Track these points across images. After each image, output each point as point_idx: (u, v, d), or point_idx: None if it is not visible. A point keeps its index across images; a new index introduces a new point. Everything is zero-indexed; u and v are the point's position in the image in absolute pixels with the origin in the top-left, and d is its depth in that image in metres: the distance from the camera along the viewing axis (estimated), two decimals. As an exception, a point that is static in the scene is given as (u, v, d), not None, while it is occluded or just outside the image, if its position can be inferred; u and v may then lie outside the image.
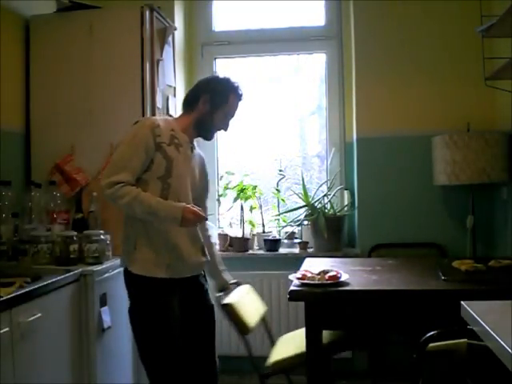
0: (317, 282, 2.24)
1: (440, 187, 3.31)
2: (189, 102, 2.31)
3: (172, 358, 2.15)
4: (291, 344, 2.63)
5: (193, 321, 2.29)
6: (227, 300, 2.42)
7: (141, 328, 2.17)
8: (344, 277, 2.28)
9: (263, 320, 2.76)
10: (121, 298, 2.72)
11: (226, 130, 2.36)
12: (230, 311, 2.41)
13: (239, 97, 2.32)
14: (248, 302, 2.62)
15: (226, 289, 2.47)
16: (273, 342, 2.78)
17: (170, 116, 2.50)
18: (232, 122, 2.38)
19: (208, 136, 2.35)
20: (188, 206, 2.10)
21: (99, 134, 2.93)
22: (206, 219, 2.21)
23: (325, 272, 2.32)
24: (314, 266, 2.53)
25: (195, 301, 2.32)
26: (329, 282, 2.24)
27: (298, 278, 2.28)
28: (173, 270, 2.17)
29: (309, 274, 2.29)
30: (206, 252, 2.34)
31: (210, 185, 2.50)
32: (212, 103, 2.26)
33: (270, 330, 2.83)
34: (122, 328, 2.74)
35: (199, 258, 2.28)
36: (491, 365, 1.21)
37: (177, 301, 2.20)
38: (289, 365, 2.51)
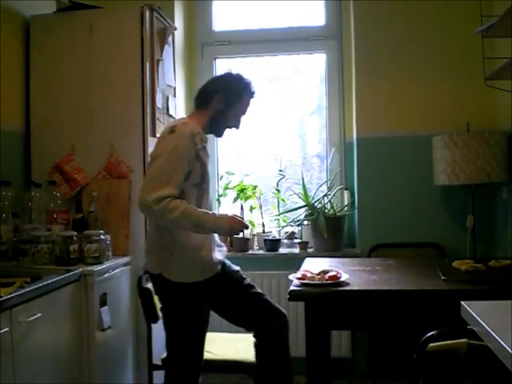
0: (317, 281, 2.24)
1: (440, 187, 3.31)
2: (202, 100, 2.30)
3: (198, 354, 2.25)
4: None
5: (234, 295, 2.40)
6: (148, 285, 2.47)
7: (177, 328, 2.24)
8: (344, 277, 2.28)
9: None
10: (121, 298, 2.73)
11: (237, 127, 2.38)
12: (146, 295, 2.47)
13: (252, 94, 2.33)
14: None
15: None
16: None
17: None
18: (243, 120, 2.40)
19: (220, 133, 2.38)
20: (233, 216, 2.18)
21: (99, 133, 2.93)
22: (248, 227, 2.28)
23: (325, 272, 2.32)
24: (314, 266, 2.52)
25: (226, 281, 2.38)
26: (329, 282, 2.24)
27: (298, 278, 2.28)
28: (208, 272, 2.24)
29: (309, 274, 2.29)
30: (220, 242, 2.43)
31: None
32: (226, 102, 2.26)
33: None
34: (122, 328, 2.74)
35: (220, 254, 2.35)
36: (491, 365, 1.21)
37: (209, 296, 2.27)
38: None
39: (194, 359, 2.24)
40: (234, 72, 2.34)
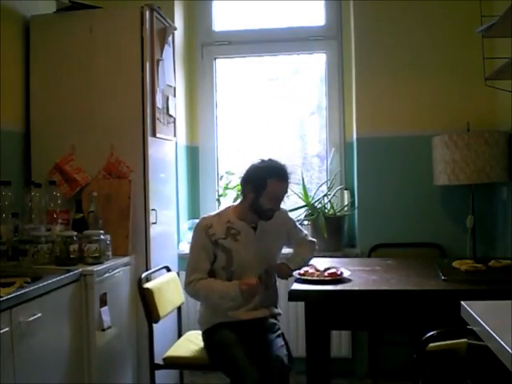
0: (315, 278, 2.26)
1: (440, 187, 3.31)
2: (242, 191, 2.55)
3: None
4: (193, 343, 2.68)
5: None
6: (148, 285, 2.57)
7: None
8: (346, 273, 2.30)
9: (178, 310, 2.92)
10: (121, 298, 2.73)
11: (277, 209, 2.49)
12: (147, 296, 2.51)
13: (279, 178, 2.44)
14: (167, 291, 2.73)
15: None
16: (180, 335, 2.87)
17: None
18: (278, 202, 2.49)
19: (263, 218, 2.50)
20: (242, 281, 2.36)
21: (99, 133, 2.92)
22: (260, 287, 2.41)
23: (325, 270, 2.34)
24: (313, 265, 2.53)
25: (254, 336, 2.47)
26: (327, 278, 2.25)
27: (300, 274, 2.31)
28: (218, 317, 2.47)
29: (311, 270, 2.31)
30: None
31: (296, 228, 2.72)
32: (254, 191, 2.44)
33: (181, 321, 2.95)
34: (122, 328, 2.74)
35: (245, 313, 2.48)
36: (491, 365, 1.21)
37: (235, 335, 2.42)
38: (183, 363, 2.61)
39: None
40: (262, 160, 2.50)
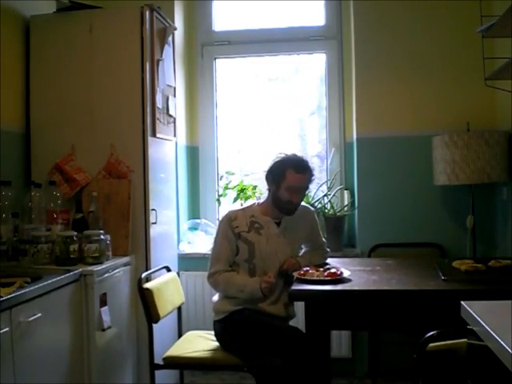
0: (315, 278, 2.26)
1: (440, 187, 3.31)
2: (267, 187, 2.63)
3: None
4: (194, 343, 2.68)
5: None
6: (147, 285, 2.57)
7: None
8: (346, 273, 2.30)
9: (179, 310, 2.90)
10: (121, 298, 2.73)
11: (296, 201, 2.53)
12: (147, 296, 2.51)
13: (296, 169, 2.50)
14: (167, 291, 2.73)
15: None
16: (180, 335, 2.86)
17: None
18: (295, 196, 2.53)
19: (283, 212, 2.57)
20: (262, 278, 2.43)
21: (99, 133, 2.93)
22: (268, 292, 2.47)
23: (325, 269, 2.34)
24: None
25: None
26: (327, 278, 2.25)
27: (300, 274, 2.31)
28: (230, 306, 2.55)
29: (311, 271, 2.32)
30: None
31: (318, 231, 2.74)
32: (274, 183, 2.54)
33: (181, 321, 2.92)
34: (122, 328, 2.74)
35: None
36: (491, 365, 1.22)
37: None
38: (183, 363, 2.59)
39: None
40: (285, 154, 2.60)
